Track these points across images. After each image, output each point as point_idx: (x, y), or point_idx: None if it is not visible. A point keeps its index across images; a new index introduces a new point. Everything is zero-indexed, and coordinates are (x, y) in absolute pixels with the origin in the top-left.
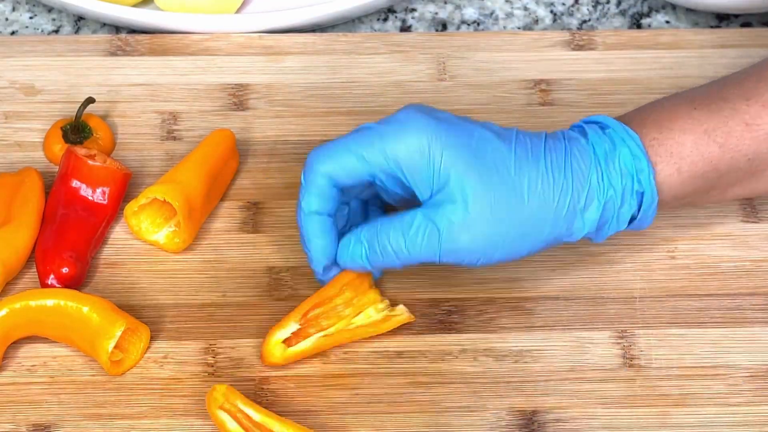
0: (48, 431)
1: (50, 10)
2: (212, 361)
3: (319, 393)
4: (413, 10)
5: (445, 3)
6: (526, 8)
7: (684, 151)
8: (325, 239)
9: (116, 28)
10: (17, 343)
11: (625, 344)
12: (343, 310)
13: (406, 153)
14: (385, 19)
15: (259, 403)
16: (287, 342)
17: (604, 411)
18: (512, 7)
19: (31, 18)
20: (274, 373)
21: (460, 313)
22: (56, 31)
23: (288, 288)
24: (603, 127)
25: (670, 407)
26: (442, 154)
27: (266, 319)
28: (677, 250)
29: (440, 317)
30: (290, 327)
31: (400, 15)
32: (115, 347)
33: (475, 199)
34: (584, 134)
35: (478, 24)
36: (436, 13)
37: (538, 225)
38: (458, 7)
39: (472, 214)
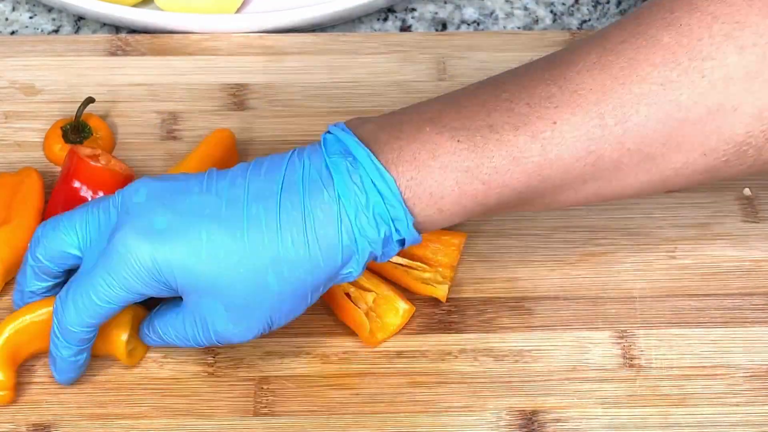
0: (48, 431)
1: (50, 10)
2: (212, 361)
3: (319, 393)
4: (413, 10)
5: (445, 3)
6: (526, 8)
7: (444, 191)
8: (79, 371)
9: (116, 28)
10: None
11: (625, 344)
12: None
13: (141, 283)
14: (385, 19)
15: (259, 403)
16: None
17: (604, 411)
18: (512, 7)
19: (31, 18)
20: (274, 373)
21: (460, 313)
22: (56, 31)
23: None
24: (351, 162)
25: (670, 407)
26: (172, 274)
27: None
28: (677, 250)
29: (440, 317)
30: None
31: (400, 15)
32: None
33: (217, 305)
34: (329, 179)
35: (478, 24)
36: (436, 13)
37: (296, 297)
38: (458, 7)
39: (222, 316)
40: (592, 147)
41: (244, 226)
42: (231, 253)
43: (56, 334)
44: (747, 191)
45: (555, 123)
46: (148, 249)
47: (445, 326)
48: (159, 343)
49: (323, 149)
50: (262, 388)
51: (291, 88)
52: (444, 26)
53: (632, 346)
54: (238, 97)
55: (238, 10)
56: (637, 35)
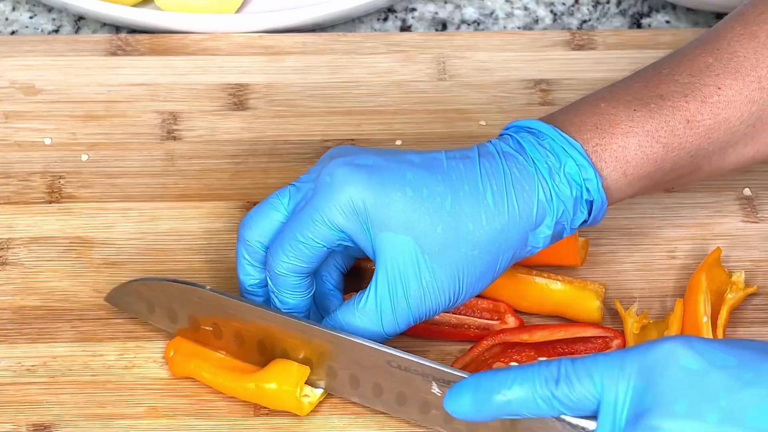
0: (48, 431)
1: (50, 10)
2: None
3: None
4: (413, 9)
5: (445, 3)
6: (526, 8)
7: (629, 155)
8: (307, 303)
9: (116, 28)
10: (17, 344)
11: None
12: None
13: (343, 217)
14: (385, 19)
15: (259, 408)
16: None
17: None
18: (512, 7)
19: (31, 18)
20: None
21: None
22: (56, 31)
23: None
24: (537, 135)
25: None
26: (375, 208)
27: None
28: (677, 250)
29: None
30: None
31: (400, 15)
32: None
33: (414, 248)
34: (521, 148)
35: (478, 24)
36: (436, 13)
37: (491, 256)
38: (458, 6)
39: (417, 262)
40: (753, 108)
41: (447, 173)
42: (435, 193)
43: (270, 285)
44: (747, 191)
45: (720, 88)
46: (355, 179)
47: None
48: (356, 331)
49: (506, 133)
50: None
51: (291, 88)
52: (444, 26)
53: None
54: (238, 97)
55: (238, 10)
56: None
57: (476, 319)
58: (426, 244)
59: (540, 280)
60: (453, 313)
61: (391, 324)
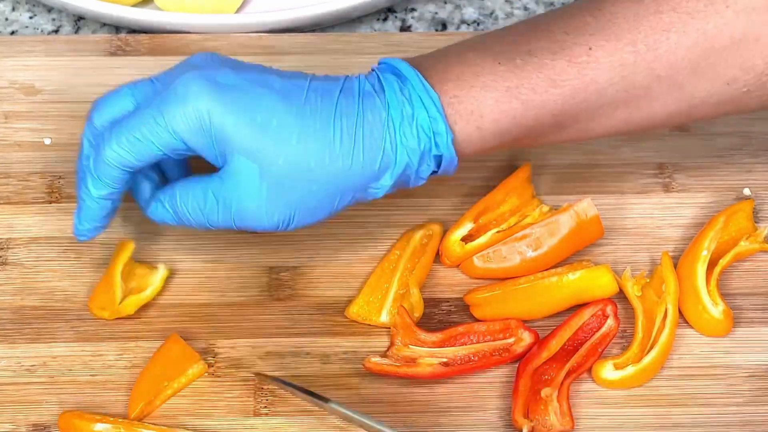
0: (48, 431)
1: (50, 10)
2: (212, 361)
3: (319, 393)
4: (413, 9)
5: (445, 3)
6: (526, 8)
7: (485, 109)
8: (102, 221)
9: (116, 28)
10: (17, 344)
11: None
12: (509, 217)
13: (188, 131)
14: (385, 19)
15: (259, 403)
16: (464, 240)
17: (604, 411)
18: (512, 7)
19: (31, 18)
20: (274, 373)
21: (460, 313)
22: (56, 31)
23: (288, 288)
24: (401, 79)
25: (670, 407)
26: (222, 129)
27: (266, 319)
28: (677, 249)
29: (440, 317)
30: (466, 226)
31: (400, 15)
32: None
33: (255, 174)
34: (381, 89)
35: (478, 24)
36: (436, 13)
37: (328, 194)
38: (458, 6)
39: (255, 188)
40: (624, 72)
41: (302, 106)
42: (284, 125)
43: (90, 172)
44: (747, 191)
45: (591, 49)
46: (208, 96)
47: (445, 326)
48: (169, 218)
49: (376, 71)
50: (262, 388)
51: None
52: (444, 26)
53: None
54: None
55: (238, 10)
56: None
57: (491, 343)
58: (266, 171)
59: (554, 279)
60: (466, 344)
61: (213, 220)
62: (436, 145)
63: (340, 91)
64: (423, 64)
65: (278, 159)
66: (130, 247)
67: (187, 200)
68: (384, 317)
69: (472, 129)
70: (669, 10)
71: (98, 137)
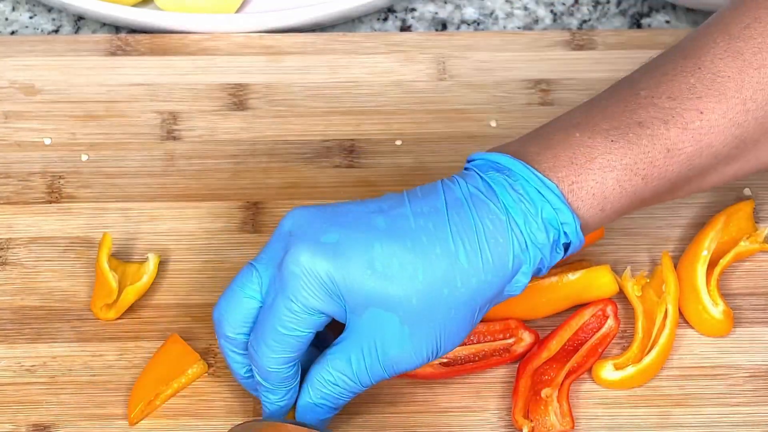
0: (48, 431)
1: (50, 10)
2: (212, 361)
3: None
4: (413, 9)
5: (445, 3)
6: (526, 8)
7: (606, 191)
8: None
9: (116, 28)
10: (17, 344)
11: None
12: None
13: (319, 301)
14: (385, 19)
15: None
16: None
17: (604, 411)
18: (512, 7)
19: (31, 18)
20: None
21: None
22: (56, 31)
23: None
24: (508, 175)
25: (670, 407)
26: (346, 287)
27: None
28: (677, 250)
29: None
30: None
31: (400, 15)
32: None
33: (394, 321)
34: (491, 191)
35: (478, 24)
36: (436, 13)
37: (468, 313)
38: (458, 6)
39: (397, 333)
40: (737, 132)
41: (417, 237)
42: (405, 264)
43: (259, 380)
44: (747, 191)
45: (702, 113)
46: (322, 263)
47: None
48: (325, 410)
49: (474, 170)
50: None
51: (291, 88)
52: (444, 26)
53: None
54: (238, 97)
55: (238, 10)
56: (758, 19)
57: (491, 343)
58: (404, 315)
59: (554, 279)
60: (466, 344)
61: (365, 380)
62: (565, 234)
63: (446, 206)
64: (523, 152)
65: (411, 300)
66: (108, 239)
67: (331, 376)
68: None
69: (596, 212)
70: None
71: (238, 346)
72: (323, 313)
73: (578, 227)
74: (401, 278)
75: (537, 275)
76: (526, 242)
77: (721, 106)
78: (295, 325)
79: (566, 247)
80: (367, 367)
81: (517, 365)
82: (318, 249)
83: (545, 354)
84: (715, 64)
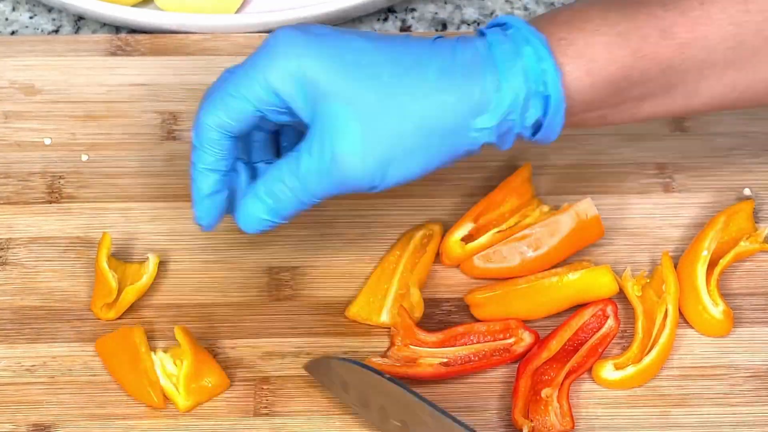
0: (48, 431)
1: (50, 10)
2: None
3: (319, 393)
4: (413, 10)
5: (445, 3)
6: (526, 8)
7: (595, 53)
8: (215, 199)
9: (116, 28)
10: (17, 344)
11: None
12: (510, 217)
13: (280, 80)
14: (385, 19)
15: (259, 403)
16: (464, 240)
17: (604, 411)
18: (512, 7)
19: (31, 18)
20: (274, 373)
21: (460, 313)
22: (56, 31)
23: (288, 288)
24: (506, 27)
25: (670, 407)
26: (313, 73)
27: (266, 319)
28: (677, 250)
29: (440, 317)
30: (466, 227)
31: (400, 15)
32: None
33: (348, 114)
34: (481, 36)
35: (478, 24)
36: (436, 13)
37: (426, 138)
38: (458, 7)
39: (348, 128)
40: (735, 31)
41: (394, 47)
42: (374, 63)
43: (194, 146)
44: (747, 191)
45: (702, 4)
46: (298, 43)
47: (445, 326)
48: (265, 209)
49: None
50: (262, 388)
51: None
52: (444, 26)
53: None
54: None
55: (238, 10)
56: None
57: (491, 343)
58: (358, 111)
59: (554, 279)
60: (466, 344)
61: (312, 183)
62: (544, 84)
63: (435, 38)
64: (528, 16)
65: (369, 96)
66: (108, 239)
67: (283, 178)
68: (384, 317)
69: (581, 72)
70: None
71: (220, 142)
72: (278, 96)
73: (559, 79)
74: (366, 74)
75: (509, 134)
76: (500, 80)
77: (722, 1)
78: (244, 91)
79: (545, 107)
80: (316, 166)
81: (517, 365)
82: (301, 34)
83: (545, 354)
84: None
